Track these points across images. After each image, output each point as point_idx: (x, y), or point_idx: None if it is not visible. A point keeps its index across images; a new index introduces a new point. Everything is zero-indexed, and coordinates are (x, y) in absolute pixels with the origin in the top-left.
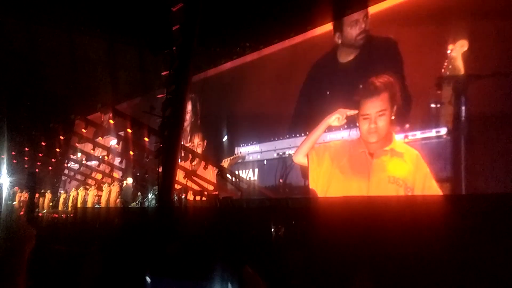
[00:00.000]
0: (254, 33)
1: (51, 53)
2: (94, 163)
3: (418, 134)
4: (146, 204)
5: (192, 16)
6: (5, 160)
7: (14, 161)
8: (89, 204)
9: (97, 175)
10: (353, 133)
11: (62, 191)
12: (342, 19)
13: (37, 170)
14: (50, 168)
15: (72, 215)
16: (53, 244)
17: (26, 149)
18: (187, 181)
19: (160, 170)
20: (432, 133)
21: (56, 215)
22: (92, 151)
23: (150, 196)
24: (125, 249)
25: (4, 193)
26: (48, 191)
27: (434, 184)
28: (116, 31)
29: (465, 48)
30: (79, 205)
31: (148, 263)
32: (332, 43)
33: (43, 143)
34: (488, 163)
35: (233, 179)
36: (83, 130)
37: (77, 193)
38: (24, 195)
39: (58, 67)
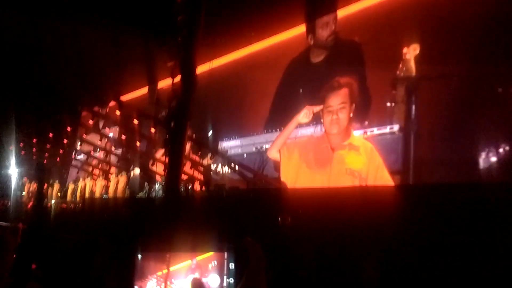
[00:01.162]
0: (260, 22)
1: (58, 45)
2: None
3: (375, 130)
4: (154, 194)
5: (197, 6)
6: (13, 152)
7: (23, 152)
8: (97, 194)
9: (104, 166)
10: (318, 130)
11: (70, 182)
12: (314, 21)
13: (45, 161)
14: (58, 159)
15: (80, 205)
16: (62, 233)
17: (34, 140)
18: (193, 172)
19: (167, 160)
20: (387, 129)
21: (65, 205)
22: (99, 142)
23: (157, 186)
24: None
25: (13, 184)
26: (57, 182)
27: (386, 175)
28: (122, 22)
29: (417, 51)
30: (87, 195)
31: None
32: (305, 44)
33: (50, 134)
34: (432, 157)
35: (240, 169)
36: (90, 121)
37: (85, 184)
38: (33, 186)
39: (64, 59)
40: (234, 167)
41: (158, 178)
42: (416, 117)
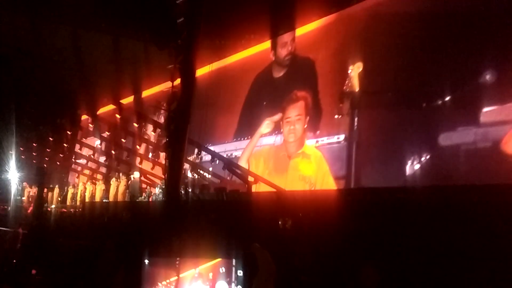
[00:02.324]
0: (259, 25)
1: (57, 49)
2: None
3: (325, 140)
4: (153, 198)
5: (196, 9)
6: (13, 156)
7: (23, 157)
8: (97, 199)
9: (103, 170)
10: (278, 140)
11: (70, 186)
12: (275, 40)
13: (45, 165)
14: (58, 163)
15: (80, 209)
16: (62, 238)
17: (34, 144)
18: (193, 175)
19: (167, 163)
20: (334, 139)
21: (65, 210)
22: (99, 146)
23: (157, 190)
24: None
25: (13, 189)
26: (57, 186)
27: (331, 180)
28: (121, 26)
29: (360, 69)
30: (87, 199)
31: (149, 248)
32: (269, 60)
33: (50, 138)
34: (370, 163)
35: (240, 172)
36: (90, 125)
37: (85, 188)
38: (33, 190)
39: (64, 63)
40: (203, 172)
41: (158, 181)
42: (358, 128)
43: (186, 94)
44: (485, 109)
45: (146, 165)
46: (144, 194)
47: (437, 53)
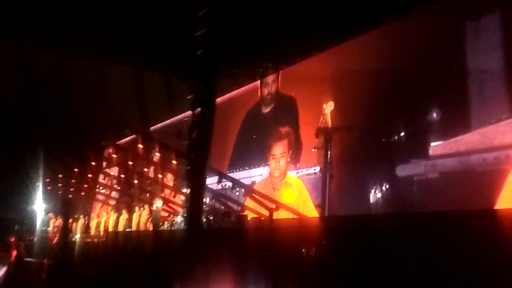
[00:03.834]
0: (276, 53)
1: (82, 82)
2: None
3: (304, 171)
4: (176, 226)
5: (214, 41)
6: (40, 187)
7: (49, 188)
8: (120, 228)
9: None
10: (266, 171)
11: (94, 216)
12: (263, 79)
13: (70, 195)
14: (82, 193)
15: (104, 239)
16: (86, 268)
17: (60, 175)
18: (214, 203)
19: (188, 192)
20: (312, 170)
21: (89, 240)
22: (122, 176)
23: (179, 218)
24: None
25: (39, 220)
26: (81, 216)
27: (311, 205)
28: (143, 59)
29: (332, 107)
30: (110, 229)
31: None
32: (258, 97)
33: (75, 169)
34: (341, 193)
35: (261, 199)
36: (113, 156)
37: (109, 217)
38: (59, 221)
39: (88, 95)
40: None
41: (179, 209)
42: (330, 160)
43: (206, 123)
44: (433, 144)
45: (169, 194)
46: (166, 222)
47: (394, 94)
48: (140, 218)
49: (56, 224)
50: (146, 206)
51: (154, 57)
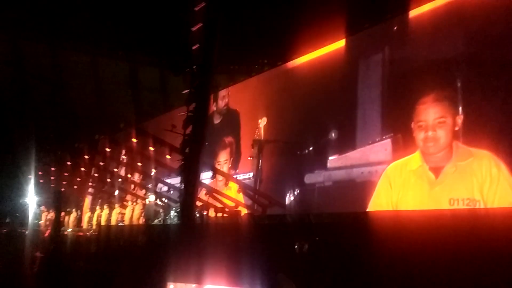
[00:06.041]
0: (272, 49)
1: (76, 76)
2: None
3: (241, 176)
4: (169, 221)
5: (211, 36)
6: (32, 180)
7: (41, 181)
8: (113, 222)
9: (120, 193)
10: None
11: (87, 210)
12: (216, 93)
13: (62, 189)
14: (75, 187)
15: (96, 233)
16: (78, 261)
17: (52, 168)
18: (208, 198)
19: (182, 187)
20: (247, 175)
21: (81, 233)
22: (115, 170)
23: (172, 213)
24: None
25: (31, 213)
26: (74, 210)
27: (244, 206)
28: (138, 53)
29: (265, 122)
30: (103, 223)
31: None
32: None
33: (68, 163)
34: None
35: (255, 196)
36: (107, 149)
37: (101, 211)
38: (51, 214)
39: (82, 89)
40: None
41: (173, 204)
42: (261, 168)
43: (201, 118)
44: (330, 158)
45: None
46: (159, 217)
47: (306, 116)
48: (133, 212)
49: (48, 217)
50: (139, 201)
51: (150, 51)
